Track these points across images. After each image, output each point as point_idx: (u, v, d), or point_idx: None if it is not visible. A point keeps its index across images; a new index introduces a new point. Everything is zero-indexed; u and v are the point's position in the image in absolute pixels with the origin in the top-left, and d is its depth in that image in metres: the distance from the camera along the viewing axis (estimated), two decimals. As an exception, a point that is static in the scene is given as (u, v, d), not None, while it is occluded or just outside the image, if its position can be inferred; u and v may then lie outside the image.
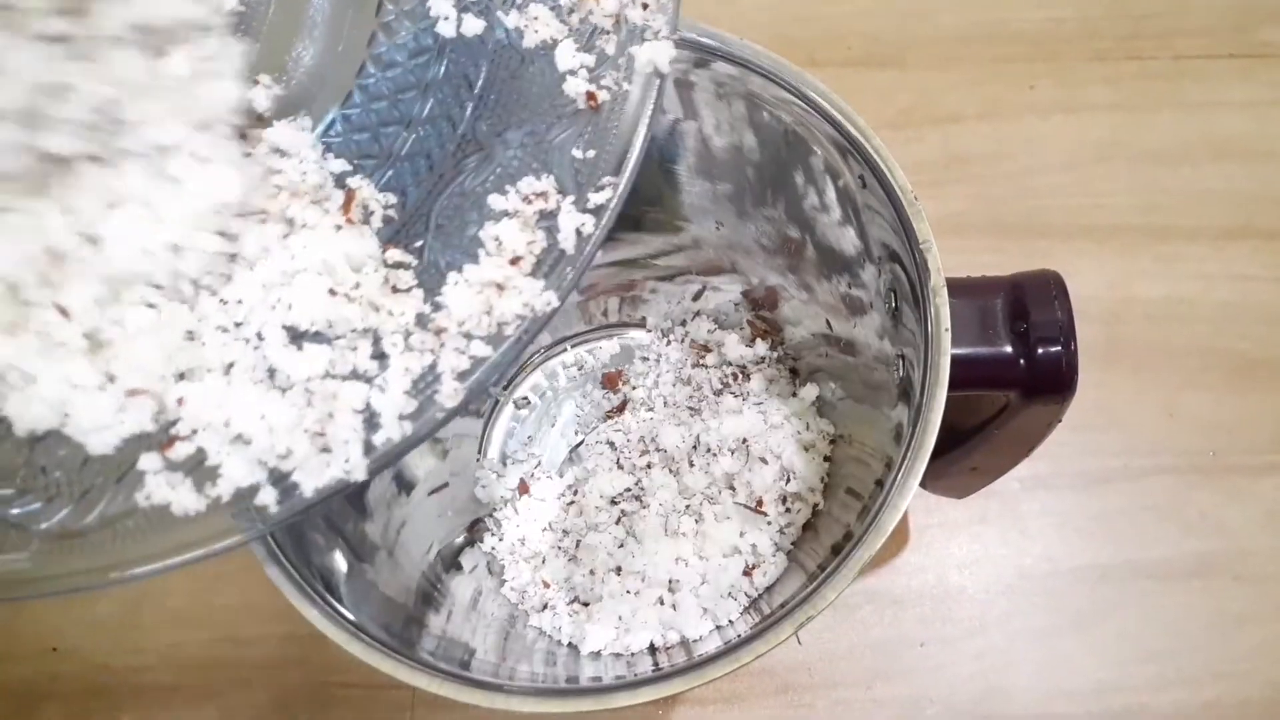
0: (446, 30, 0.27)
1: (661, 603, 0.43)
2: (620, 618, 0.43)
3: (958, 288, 0.33)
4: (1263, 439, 0.53)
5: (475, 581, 0.45)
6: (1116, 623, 0.50)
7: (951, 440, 0.39)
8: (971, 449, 0.39)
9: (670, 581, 0.43)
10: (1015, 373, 0.34)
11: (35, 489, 0.25)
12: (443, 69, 0.27)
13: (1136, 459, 0.53)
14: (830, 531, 0.42)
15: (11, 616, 0.51)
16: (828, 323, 0.45)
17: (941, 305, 0.32)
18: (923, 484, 0.32)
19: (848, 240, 0.39)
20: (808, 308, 0.46)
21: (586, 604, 0.44)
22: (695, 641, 0.42)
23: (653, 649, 0.42)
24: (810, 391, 0.46)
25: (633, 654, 0.42)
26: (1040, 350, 0.34)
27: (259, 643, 0.50)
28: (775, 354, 0.48)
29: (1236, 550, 0.51)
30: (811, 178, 0.38)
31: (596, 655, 0.42)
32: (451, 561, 0.45)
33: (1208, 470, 0.52)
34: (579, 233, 0.25)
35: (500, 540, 0.46)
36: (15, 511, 0.25)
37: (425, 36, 0.27)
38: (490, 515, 0.47)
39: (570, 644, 0.43)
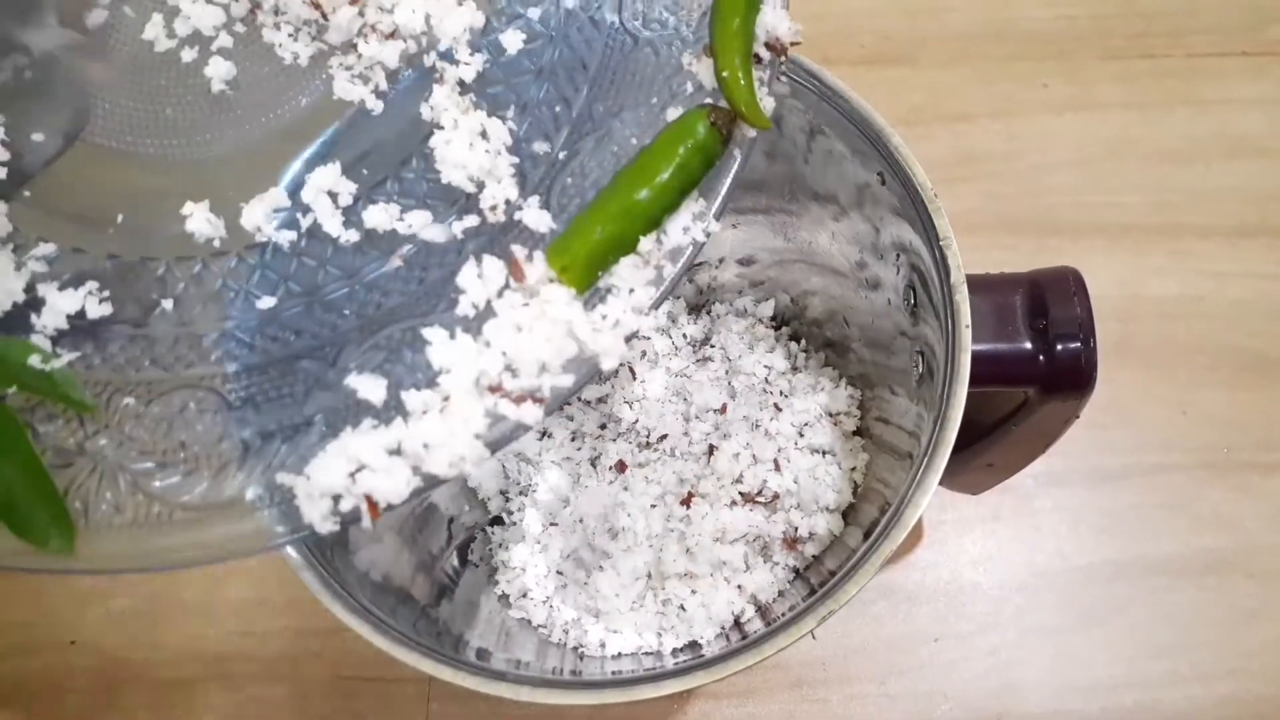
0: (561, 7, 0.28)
1: (675, 603, 0.43)
2: (631, 613, 0.43)
3: (977, 284, 0.33)
4: (1275, 436, 0.53)
5: (485, 575, 0.45)
6: (1129, 619, 0.50)
7: (968, 436, 0.39)
8: (988, 445, 0.40)
9: (683, 575, 0.43)
10: (1035, 369, 0.34)
11: (175, 462, 0.25)
12: (556, 54, 0.28)
13: (1149, 456, 0.53)
14: (853, 527, 0.42)
15: (30, 610, 0.51)
16: (844, 319, 0.45)
17: (962, 302, 0.33)
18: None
19: (865, 236, 0.39)
20: (825, 302, 0.46)
21: (595, 603, 0.44)
22: (705, 641, 0.42)
23: (663, 647, 0.42)
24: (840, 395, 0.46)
25: (645, 652, 0.42)
26: (1060, 346, 0.34)
27: (275, 636, 0.51)
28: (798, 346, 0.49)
29: (1249, 547, 0.51)
30: (829, 173, 0.39)
31: (606, 650, 0.43)
32: (464, 554, 0.45)
33: (1220, 467, 0.52)
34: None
35: (508, 533, 0.46)
36: (157, 485, 0.25)
37: (537, 24, 0.28)
38: (503, 507, 0.48)
39: (579, 642, 0.43)
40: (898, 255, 0.37)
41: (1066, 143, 0.60)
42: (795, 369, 0.48)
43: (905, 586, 0.51)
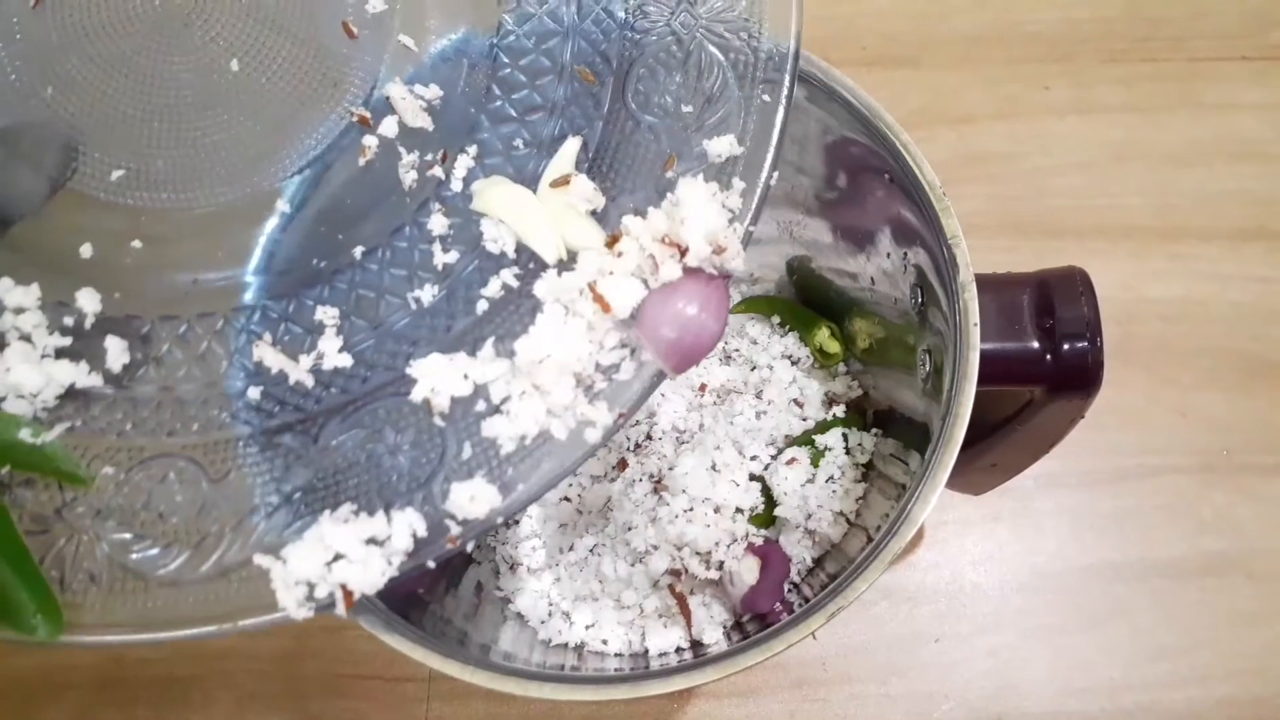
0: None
1: (674, 593, 0.43)
2: (632, 610, 0.43)
3: (985, 283, 0.33)
4: (1275, 439, 0.53)
5: (488, 572, 0.45)
6: (1129, 620, 0.50)
7: (972, 436, 0.39)
8: (992, 445, 0.39)
9: (677, 565, 0.43)
10: (1041, 368, 0.34)
11: (154, 534, 0.25)
12: (556, 127, 0.28)
13: (1150, 458, 0.53)
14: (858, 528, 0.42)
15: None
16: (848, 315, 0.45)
17: (970, 300, 0.33)
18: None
19: (872, 235, 0.39)
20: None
21: (597, 600, 0.44)
22: (707, 640, 0.42)
23: (666, 645, 0.42)
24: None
25: (647, 649, 0.42)
26: (1066, 346, 0.34)
27: (273, 634, 0.50)
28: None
29: (1249, 549, 0.51)
30: (837, 171, 0.39)
31: (608, 646, 0.42)
32: (466, 552, 0.45)
33: (1220, 469, 0.53)
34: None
35: (509, 531, 0.46)
36: (134, 557, 0.25)
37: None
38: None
39: (580, 639, 0.43)
40: (905, 254, 0.37)
41: (1069, 145, 0.60)
42: (797, 365, 0.48)
43: (906, 587, 0.51)
